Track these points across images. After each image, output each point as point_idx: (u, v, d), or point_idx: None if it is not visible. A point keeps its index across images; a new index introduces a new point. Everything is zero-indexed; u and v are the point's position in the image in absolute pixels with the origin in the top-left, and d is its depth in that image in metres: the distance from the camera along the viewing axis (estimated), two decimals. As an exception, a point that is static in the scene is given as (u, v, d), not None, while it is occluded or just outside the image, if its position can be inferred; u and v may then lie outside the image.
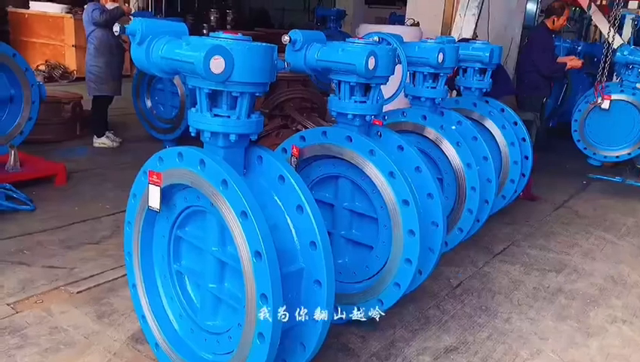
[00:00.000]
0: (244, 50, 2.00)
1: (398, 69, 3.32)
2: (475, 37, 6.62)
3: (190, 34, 2.18)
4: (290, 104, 6.88)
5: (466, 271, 3.92)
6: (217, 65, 1.94)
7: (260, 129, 2.22)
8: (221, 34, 2.08)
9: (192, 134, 2.22)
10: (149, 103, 6.93)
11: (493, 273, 3.94)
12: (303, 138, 2.95)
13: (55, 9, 11.51)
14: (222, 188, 2.03)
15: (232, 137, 2.13)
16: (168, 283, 2.51)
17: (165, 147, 2.65)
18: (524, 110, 6.19)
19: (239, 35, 2.12)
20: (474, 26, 6.39)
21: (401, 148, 2.92)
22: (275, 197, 2.21)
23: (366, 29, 7.06)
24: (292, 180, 2.16)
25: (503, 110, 4.51)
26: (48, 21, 11.31)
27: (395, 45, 3.43)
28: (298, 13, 17.56)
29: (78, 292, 3.27)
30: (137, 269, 2.54)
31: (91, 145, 6.60)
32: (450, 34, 6.58)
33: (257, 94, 2.16)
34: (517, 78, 6.89)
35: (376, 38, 3.46)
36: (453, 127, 3.68)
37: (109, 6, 6.14)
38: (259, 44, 2.08)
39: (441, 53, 3.46)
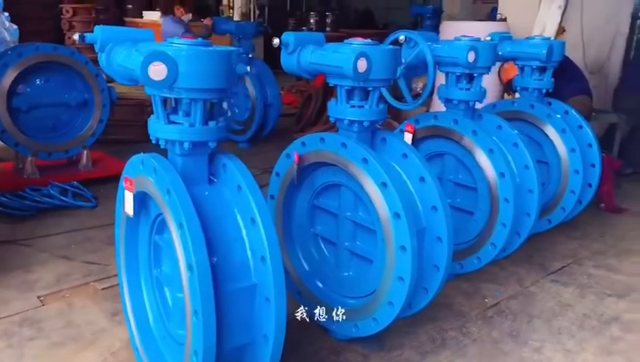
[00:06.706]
0: (189, 56, 1.94)
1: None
2: (562, 31, 6.05)
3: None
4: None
5: (507, 290, 3.55)
6: (157, 71, 1.89)
7: (221, 136, 2.15)
8: (176, 39, 2.04)
9: (153, 142, 2.20)
10: (224, 105, 7.11)
11: (539, 294, 3.52)
12: (303, 144, 2.83)
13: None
14: (167, 198, 1.99)
15: (186, 145, 2.08)
16: (150, 287, 2.52)
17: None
18: (615, 111, 5.54)
19: (198, 39, 2.06)
20: (559, 20, 5.81)
21: (405, 155, 2.69)
22: (235, 209, 2.13)
23: (449, 26, 6.73)
24: (247, 190, 2.06)
25: (567, 112, 4.03)
26: (159, 29, 12.09)
27: (421, 45, 3.20)
28: (403, 11, 17.14)
29: (102, 289, 3.41)
30: (123, 271, 2.58)
31: (170, 146, 6.92)
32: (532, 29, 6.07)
33: (214, 101, 2.09)
34: None
35: (402, 38, 3.26)
36: (494, 138, 3.33)
37: (185, 18, 6.36)
38: (210, 48, 2.00)
39: (472, 52, 3.15)
